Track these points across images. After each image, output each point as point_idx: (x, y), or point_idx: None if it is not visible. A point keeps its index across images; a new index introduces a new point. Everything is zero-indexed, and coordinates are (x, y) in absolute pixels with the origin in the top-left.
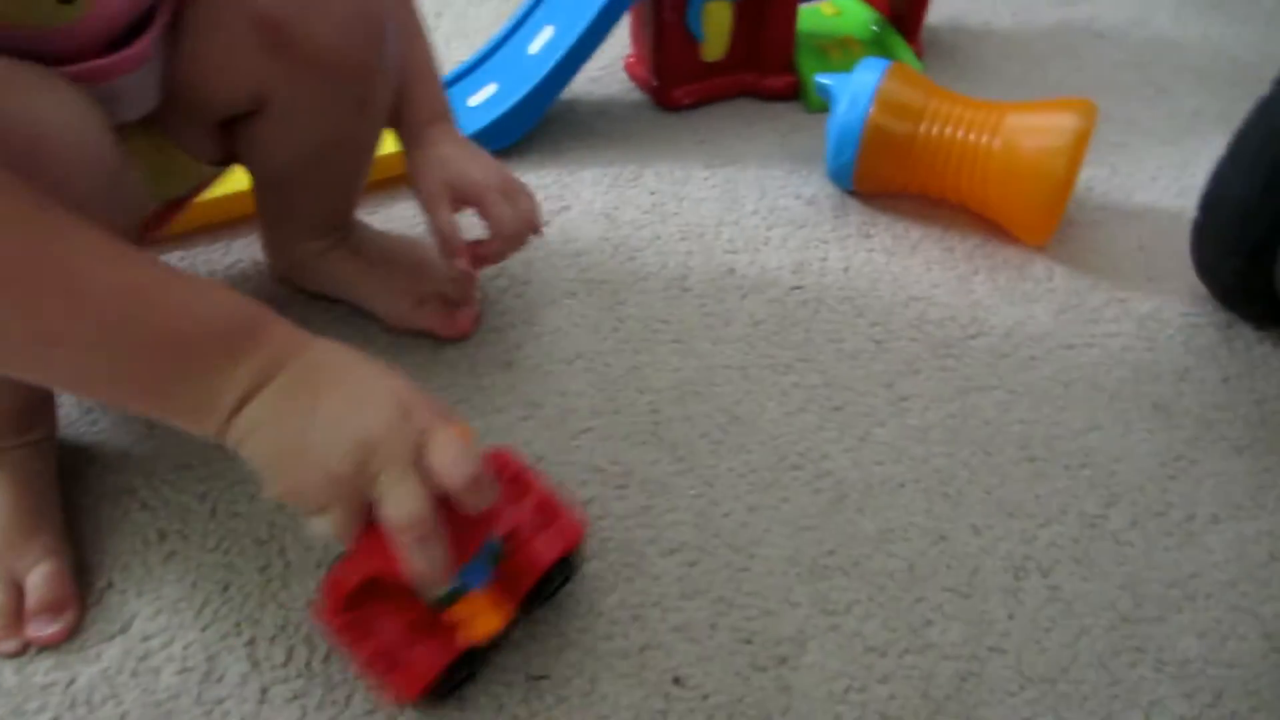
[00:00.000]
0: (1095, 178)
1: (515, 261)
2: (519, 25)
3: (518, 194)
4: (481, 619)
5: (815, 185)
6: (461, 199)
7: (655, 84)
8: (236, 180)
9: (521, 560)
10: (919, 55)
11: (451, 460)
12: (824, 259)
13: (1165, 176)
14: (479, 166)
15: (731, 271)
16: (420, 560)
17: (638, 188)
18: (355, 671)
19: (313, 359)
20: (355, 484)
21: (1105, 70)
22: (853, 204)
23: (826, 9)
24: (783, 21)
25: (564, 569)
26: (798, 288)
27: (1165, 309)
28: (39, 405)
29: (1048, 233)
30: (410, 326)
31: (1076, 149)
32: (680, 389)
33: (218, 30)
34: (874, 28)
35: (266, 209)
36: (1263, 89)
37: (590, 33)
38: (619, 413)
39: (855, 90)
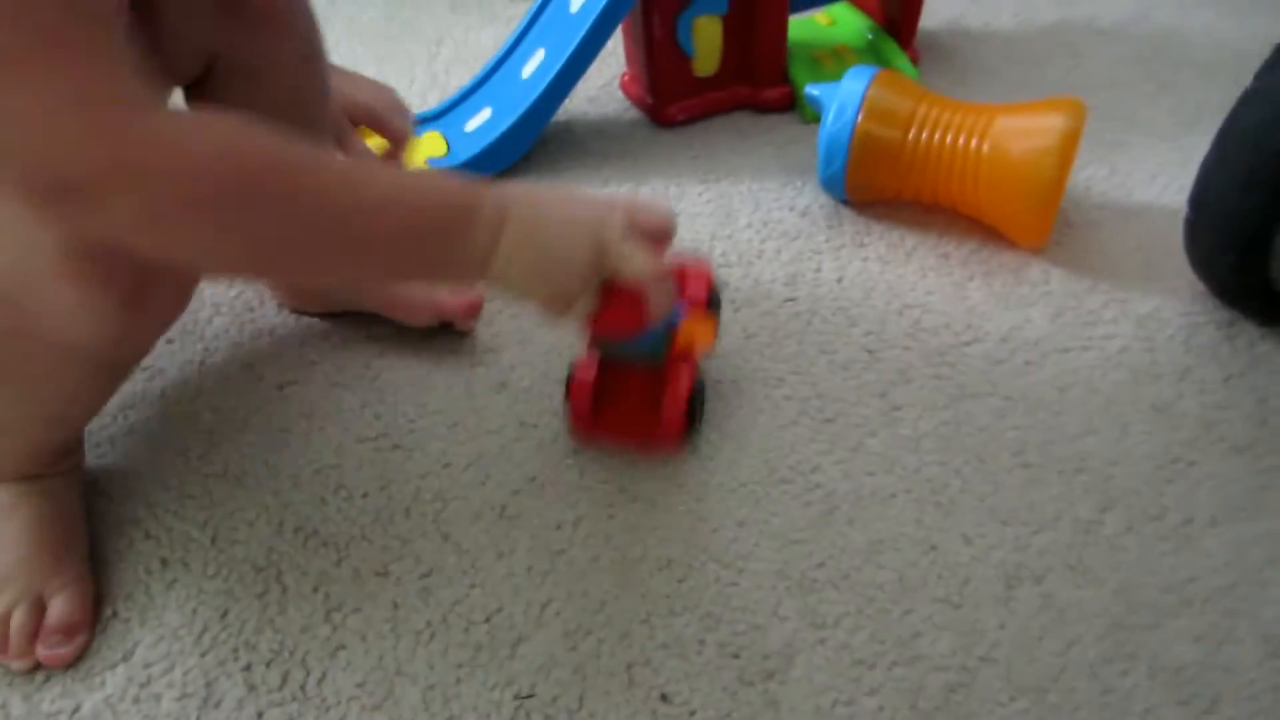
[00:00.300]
0: (1094, 178)
1: None
2: (512, 49)
3: (400, 105)
4: (699, 333)
5: (809, 197)
6: (355, 120)
7: (650, 101)
8: None
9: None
10: (915, 61)
11: (657, 211)
12: (818, 270)
13: (1166, 174)
14: (363, 89)
15: (725, 286)
16: (659, 295)
17: None
18: (622, 449)
19: (525, 199)
20: (595, 268)
21: (1105, 67)
22: (847, 214)
23: (820, 19)
24: (773, 33)
25: (715, 300)
26: (791, 300)
27: (1165, 309)
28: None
29: (1043, 235)
30: (427, 313)
31: (1066, 149)
32: None
33: (174, 3)
34: (868, 36)
35: None
36: None
37: (580, 54)
38: None
39: (843, 99)
